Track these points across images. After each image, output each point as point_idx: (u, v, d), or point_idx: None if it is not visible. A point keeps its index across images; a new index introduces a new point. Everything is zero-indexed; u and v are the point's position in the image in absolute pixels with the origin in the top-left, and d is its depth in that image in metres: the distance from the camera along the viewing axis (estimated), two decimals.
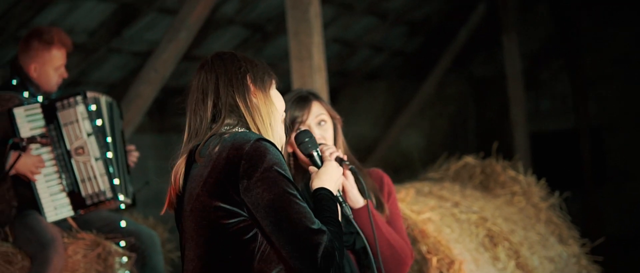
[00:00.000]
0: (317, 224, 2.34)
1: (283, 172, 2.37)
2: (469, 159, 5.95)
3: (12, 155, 4.10)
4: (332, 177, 2.60)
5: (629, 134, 11.66)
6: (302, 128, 3.16)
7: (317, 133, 3.25)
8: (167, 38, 5.99)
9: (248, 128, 2.50)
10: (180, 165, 2.53)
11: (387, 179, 3.41)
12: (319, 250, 2.31)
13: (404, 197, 4.81)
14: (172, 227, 6.32)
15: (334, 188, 2.59)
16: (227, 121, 2.51)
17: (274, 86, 2.62)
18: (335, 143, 3.34)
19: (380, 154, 10.53)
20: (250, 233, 2.38)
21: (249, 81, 2.53)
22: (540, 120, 12.06)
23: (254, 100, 2.52)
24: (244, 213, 2.38)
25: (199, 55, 8.82)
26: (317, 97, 3.35)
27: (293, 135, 3.08)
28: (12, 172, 4.14)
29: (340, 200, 2.63)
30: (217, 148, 2.41)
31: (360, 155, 4.00)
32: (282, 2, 5.70)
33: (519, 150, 9.53)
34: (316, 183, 2.58)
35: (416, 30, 11.76)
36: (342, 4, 9.56)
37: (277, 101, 2.61)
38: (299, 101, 3.30)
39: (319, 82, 5.19)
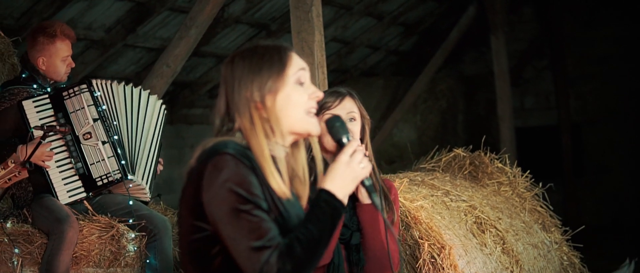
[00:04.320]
0: (264, 240, 2.09)
1: (236, 187, 2.11)
2: (459, 151, 5.91)
3: (31, 145, 4.08)
4: (342, 174, 2.21)
5: (607, 130, 11.65)
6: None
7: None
8: (179, 35, 5.96)
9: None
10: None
11: (395, 190, 3.29)
12: (257, 269, 2.08)
13: (398, 186, 4.77)
14: None
15: (341, 189, 2.20)
16: (230, 125, 2.27)
17: (287, 75, 2.25)
18: (362, 143, 3.19)
19: (375, 146, 10.48)
20: (216, 248, 2.18)
21: (253, 90, 2.24)
22: (525, 116, 12.05)
23: (257, 112, 2.23)
24: (210, 228, 2.17)
25: (207, 52, 8.79)
26: (353, 95, 3.18)
27: (322, 118, 2.87)
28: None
29: (371, 190, 2.26)
30: (195, 159, 2.21)
31: None
32: (286, 2, 5.67)
33: (505, 144, 9.51)
34: (322, 182, 2.22)
35: (410, 30, 11.74)
36: (342, 6, 9.53)
37: (294, 92, 2.25)
38: (333, 93, 3.14)
39: (320, 78, 5.14)
